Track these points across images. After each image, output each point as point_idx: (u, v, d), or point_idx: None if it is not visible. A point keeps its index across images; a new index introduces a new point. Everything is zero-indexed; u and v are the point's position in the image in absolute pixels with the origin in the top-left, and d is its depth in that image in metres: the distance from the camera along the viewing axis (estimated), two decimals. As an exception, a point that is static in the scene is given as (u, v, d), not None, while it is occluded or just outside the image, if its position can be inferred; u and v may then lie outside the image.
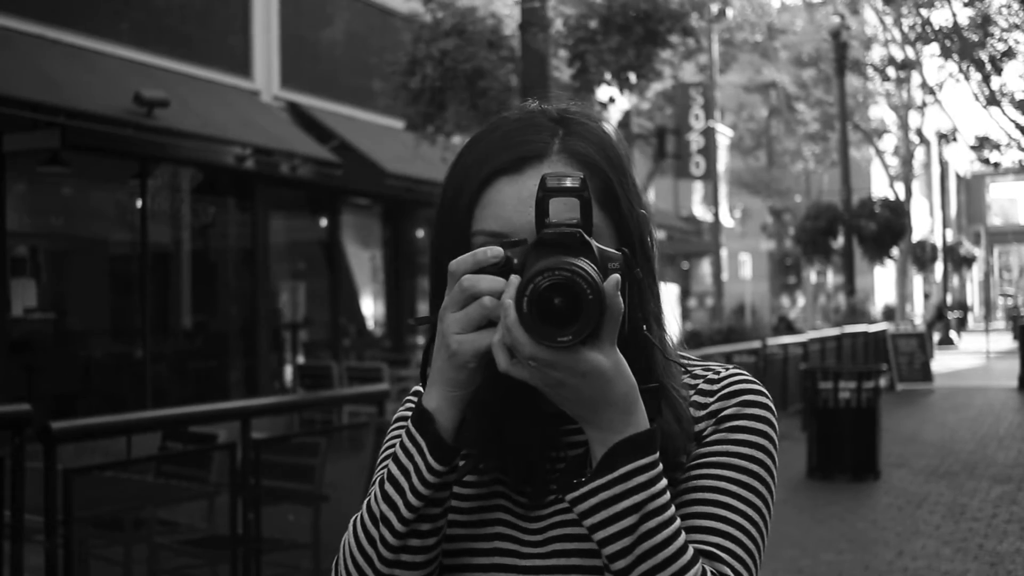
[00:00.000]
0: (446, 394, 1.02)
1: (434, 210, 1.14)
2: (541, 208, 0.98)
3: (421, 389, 1.08)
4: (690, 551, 0.98)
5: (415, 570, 1.05)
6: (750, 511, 1.06)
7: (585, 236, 0.96)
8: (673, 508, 0.98)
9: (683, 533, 0.98)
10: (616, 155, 1.11)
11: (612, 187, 1.09)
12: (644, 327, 1.04)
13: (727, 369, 1.16)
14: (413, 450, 1.03)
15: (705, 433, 1.10)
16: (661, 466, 0.98)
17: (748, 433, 1.10)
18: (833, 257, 22.54)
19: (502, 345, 0.95)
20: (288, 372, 13.64)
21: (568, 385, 0.95)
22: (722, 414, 1.11)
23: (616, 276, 0.94)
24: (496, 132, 1.12)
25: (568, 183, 0.98)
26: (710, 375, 1.15)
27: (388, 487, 1.04)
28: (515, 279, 0.94)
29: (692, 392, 1.13)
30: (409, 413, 1.21)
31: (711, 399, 1.12)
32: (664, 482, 0.98)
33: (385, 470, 1.06)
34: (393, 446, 1.18)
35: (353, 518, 1.10)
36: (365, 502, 1.09)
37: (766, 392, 1.14)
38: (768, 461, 1.10)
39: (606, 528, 0.96)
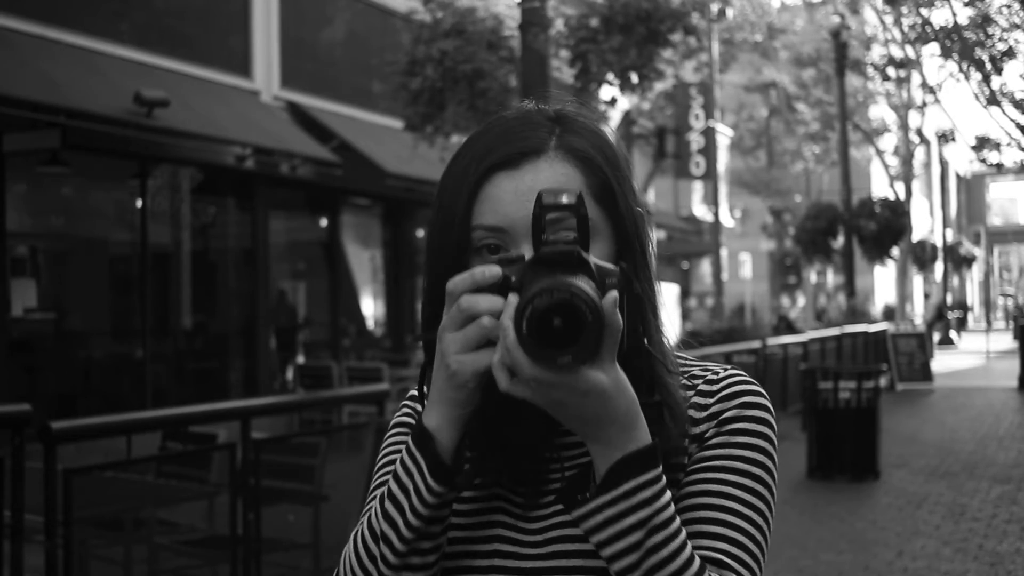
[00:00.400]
0: (446, 413, 1.01)
1: (431, 210, 1.14)
2: (538, 225, 0.97)
3: (416, 393, 1.07)
4: (697, 562, 0.98)
5: None
6: (754, 515, 1.06)
7: (583, 253, 0.95)
8: (678, 520, 0.98)
9: (689, 544, 0.98)
10: (612, 152, 1.12)
11: (609, 183, 1.09)
12: (644, 340, 1.03)
13: (725, 370, 1.16)
14: (413, 469, 1.03)
15: (707, 435, 1.10)
16: (664, 480, 0.98)
17: (750, 436, 1.10)
18: (833, 257, 22.52)
19: (502, 365, 0.94)
20: (288, 372, 13.64)
21: (569, 404, 0.94)
22: (723, 416, 1.10)
23: (614, 293, 0.93)
24: (493, 130, 1.12)
25: (564, 200, 0.96)
26: (709, 375, 1.15)
27: (388, 505, 1.04)
28: (513, 299, 0.93)
29: (691, 393, 1.13)
30: (406, 419, 1.21)
31: (711, 400, 1.12)
32: (668, 495, 0.98)
33: (386, 487, 1.06)
34: (391, 452, 1.18)
35: (353, 533, 1.10)
36: (365, 517, 1.09)
37: (764, 393, 1.14)
38: (770, 464, 1.10)
39: (613, 544, 0.96)
